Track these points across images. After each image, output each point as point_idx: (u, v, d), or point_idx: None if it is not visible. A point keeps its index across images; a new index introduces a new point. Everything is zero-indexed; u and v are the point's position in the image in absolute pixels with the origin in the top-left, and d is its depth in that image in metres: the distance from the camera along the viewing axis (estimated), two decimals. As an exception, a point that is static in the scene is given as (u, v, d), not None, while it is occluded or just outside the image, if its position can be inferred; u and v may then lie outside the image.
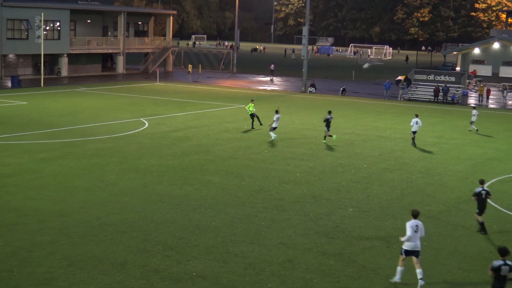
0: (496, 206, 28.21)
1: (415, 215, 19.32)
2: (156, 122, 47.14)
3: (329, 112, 42.79)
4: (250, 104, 46.38)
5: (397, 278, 19.19)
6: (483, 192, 24.43)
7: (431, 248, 22.22)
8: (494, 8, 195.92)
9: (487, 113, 62.86)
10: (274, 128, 41.59)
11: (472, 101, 72.68)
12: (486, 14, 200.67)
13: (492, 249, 22.53)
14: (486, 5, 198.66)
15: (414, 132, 42.46)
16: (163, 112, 52.43)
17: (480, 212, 24.45)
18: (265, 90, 76.71)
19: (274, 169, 33.68)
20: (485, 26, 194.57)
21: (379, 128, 49.28)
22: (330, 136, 42.22)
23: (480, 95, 74.44)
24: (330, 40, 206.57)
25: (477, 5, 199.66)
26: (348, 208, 26.86)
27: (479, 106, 66.90)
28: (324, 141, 41.91)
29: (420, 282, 18.73)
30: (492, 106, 70.21)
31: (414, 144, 42.17)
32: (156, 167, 32.79)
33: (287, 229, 23.76)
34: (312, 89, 75.24)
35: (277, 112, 42.30)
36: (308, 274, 19.62)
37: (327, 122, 42.00)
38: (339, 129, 46.80)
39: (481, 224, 24.44)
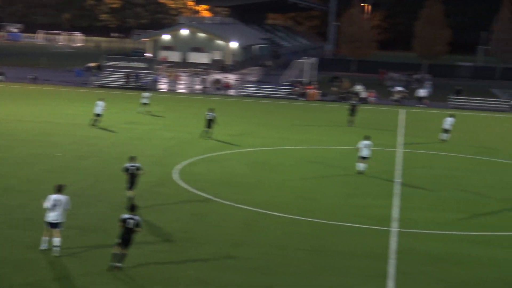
0: (187, 187, 29.50)
1: (57, 190, 20.90)
2: None
3: None
4: None
5: (42, 246, 20.67)
6: (132, 167, 25.78)
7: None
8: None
9: (176, 98, 65.05)
10: None
11: (162, 86, 74.57)
12: (174, 2, 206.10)
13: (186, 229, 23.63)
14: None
15: (98, 115, 43.84)
16: None
17: (130, 187, 25.79)
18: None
19: (-39, 163, 32.05)
20: (174, 13, 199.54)
21: (72, 115, 48.86)
22: None
23: (171, 80, 76.86)
24: (19, 26, 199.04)
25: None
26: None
27: (170, 91, 69.08)
28: None
29: (55, 250, 20.31)
30: (181, 90, 72.71)
31: (94, 125, 43.59)
32: None
33: (-23, 225, 22.80)
34: (0, 77, 72.29)
35: None
36: (2, 269, 19.05)
37: None
38: (33, 118, 45.69)
39: (130, 199, 25.41)
